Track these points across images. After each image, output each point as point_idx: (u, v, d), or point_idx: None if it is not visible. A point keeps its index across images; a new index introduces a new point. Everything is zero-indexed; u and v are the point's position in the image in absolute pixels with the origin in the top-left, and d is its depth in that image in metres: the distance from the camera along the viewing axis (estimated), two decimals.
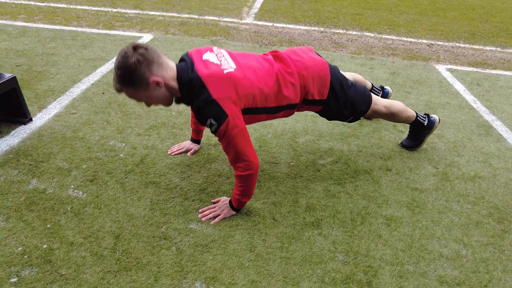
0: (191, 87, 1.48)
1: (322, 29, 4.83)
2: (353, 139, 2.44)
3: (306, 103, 1.80)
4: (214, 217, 1.72)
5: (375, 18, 5.52)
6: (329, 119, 2.00)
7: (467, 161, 2.32)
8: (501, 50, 4.59)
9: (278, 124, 2.53)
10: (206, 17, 4.88)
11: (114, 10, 4.86)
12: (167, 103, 1.58)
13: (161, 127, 2.39)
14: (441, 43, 4.66)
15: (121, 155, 2.11)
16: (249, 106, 1.60)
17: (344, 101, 1.85)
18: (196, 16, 4.89)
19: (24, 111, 2.30)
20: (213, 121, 1.48)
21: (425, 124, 2.26)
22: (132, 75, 1.41)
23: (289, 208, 1.83)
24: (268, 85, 1.60)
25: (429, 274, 1.55)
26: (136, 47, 1.42)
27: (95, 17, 4.52)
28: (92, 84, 2.88)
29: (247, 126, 1.61)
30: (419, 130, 2.29)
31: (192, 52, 1.60)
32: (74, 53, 3.40)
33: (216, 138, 2.29)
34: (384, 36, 4.74)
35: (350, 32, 4.80)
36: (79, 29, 4.07)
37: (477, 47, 4.62)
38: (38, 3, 4.85)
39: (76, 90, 2.77)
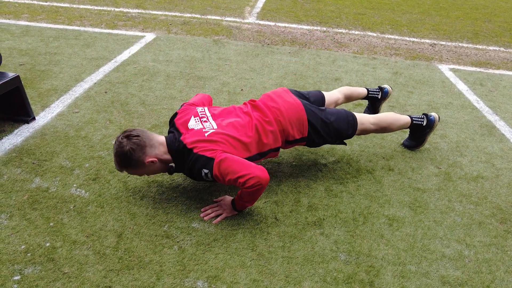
0: (181, 154, 1.67)
1: (325, 28, 4.82)
2: (355, 138, 2.43)
3: (289, 143, 1.91)
4: (216, 216, 1.73)
5: (377, 18, 5.51)
6: (316, 147, 2.07)
7: (469, 161, 2.31)
8: (505, 50, 4.57)
9: None
10: (209, 17, 4.89)
11: (116, 9, 4.87)
12: (164, 172, 1.78)
13: (163, 126, 2.39)
14: (444, 43, 4.64)
15: None
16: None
17: (328, 132, 1.94)
18: (199, 16, 4.90)
19: (27, 110, 2.31)
20: (205, 170, 1.61)
21: (424, 124, 2.26)
22: (129, 160, 1.62)
23: (291, 207, 1.83)
24: (248, 136, 1.74)
25: (431, 274, 1.55)
26: (129, 136, 1.62)
27: (97, 16, 4.53)
28: (95, 83, 2.89)
29: None
30: (418, 131, 2.29)
31: (179, 123, 1.77)
32: (77, 52, 3.41)
33: None
34: (386, 36, 4.73)
35: (353, 31, 4.80)
36: (82, 28, 4.08)
37: (480, 47, 4.60)
38: (41, 3, 4.87)
39: (79, 89, 2.78)
